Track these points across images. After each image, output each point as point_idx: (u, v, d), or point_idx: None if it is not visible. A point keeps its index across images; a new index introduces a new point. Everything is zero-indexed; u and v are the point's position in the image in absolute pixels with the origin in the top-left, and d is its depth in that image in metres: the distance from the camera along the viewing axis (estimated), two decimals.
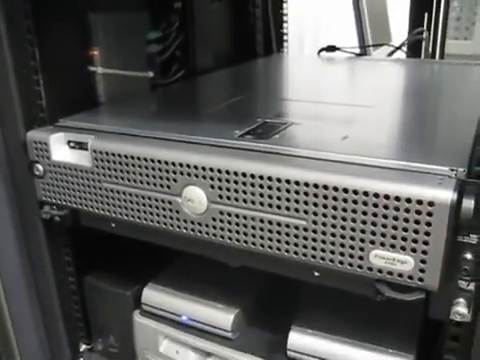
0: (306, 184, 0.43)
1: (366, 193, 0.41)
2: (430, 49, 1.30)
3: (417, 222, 0.40)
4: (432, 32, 1.37)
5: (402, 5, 1.59)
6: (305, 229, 0.45)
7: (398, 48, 1.15)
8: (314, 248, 0.45)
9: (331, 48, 1.13)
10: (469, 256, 0.41)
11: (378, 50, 1.50)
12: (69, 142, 0.58)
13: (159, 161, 0.51)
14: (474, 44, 3.05)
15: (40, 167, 0.59)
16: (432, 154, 0.48)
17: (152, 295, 0.66)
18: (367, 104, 0.67)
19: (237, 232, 0.49)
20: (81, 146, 0.56)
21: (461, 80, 0.86)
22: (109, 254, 0.73)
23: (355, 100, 0.71)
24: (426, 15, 1.38)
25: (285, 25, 1.18)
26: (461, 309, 0.42)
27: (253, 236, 0.48)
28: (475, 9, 3.12)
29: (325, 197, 0.43)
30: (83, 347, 0.77)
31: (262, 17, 1.12)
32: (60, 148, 0.58)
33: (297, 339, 0.55)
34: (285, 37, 1.19)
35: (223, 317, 0.60)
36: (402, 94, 0.79)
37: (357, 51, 1.14)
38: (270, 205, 0.46)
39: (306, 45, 1.65)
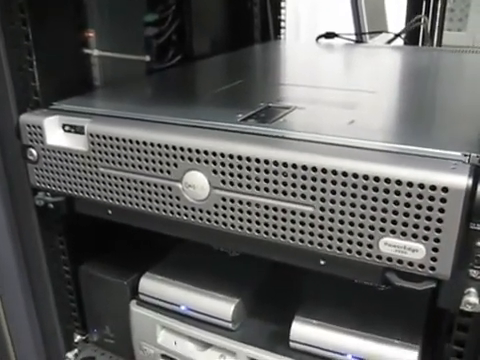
0: (314, 169, 0.42)
1: (377, 178, 0.40)
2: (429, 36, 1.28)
3: (430, 208, 0.39)
4: (430, 20, 1.36)
5: None
6: (312, 216, 0.43)
7: (398, 35, 1.13)
8: (321, 235, 0.44)
9: (330, 35, 1.11)
10: None
11: (376, 38, 1.49)
12: (64, 126, 0.55)
13: (159, 145, 0.49)
14: (467, 35, 3.05)
15: (34, 152, 0.57)
16: (443, 139, 0.46)
17: (150, 284, 0.64)
18: (370, 89, 0.66)
19: (240, 219, 0.47)
20: (77, 130, 0.54)
21: (465, 66, 0.85)
22: (105, 242, 0.71)
23: (358, 85, 0.69)
24: (424, 3, 1.37)
25: (283, 11, 1.16)
26: (472, 299, 0.41)
27: (257, 223, 0.46)
28: (468, 0, 3.12)
29: (333, 182, 0.41)
30: (78, 338, 0.75)
31: (260, 3, 1.10)
32: (55, 132, 0.56)
33: (300, 329, 0.54)
34: (282, 23, 1.17)
35: (223, 307, 0.59)
36: (406, 80, 0.77)
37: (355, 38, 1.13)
38: (275, 191, 0.44)
39: (302, 32, 1.64)
